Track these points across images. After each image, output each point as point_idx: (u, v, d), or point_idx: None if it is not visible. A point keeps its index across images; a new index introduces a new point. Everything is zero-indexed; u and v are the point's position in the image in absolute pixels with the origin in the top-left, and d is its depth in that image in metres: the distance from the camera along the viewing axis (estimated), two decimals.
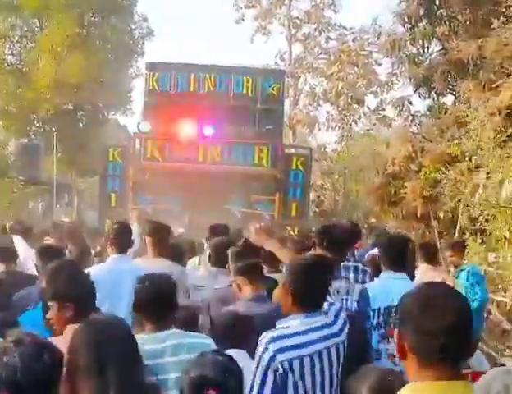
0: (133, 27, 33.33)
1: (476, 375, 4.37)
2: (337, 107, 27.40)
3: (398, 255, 6.20)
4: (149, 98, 19.24)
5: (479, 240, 12.03)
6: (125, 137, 26.41)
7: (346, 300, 6.14)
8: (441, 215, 16.30)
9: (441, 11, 17.32)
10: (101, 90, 30.17)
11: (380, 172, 16.86)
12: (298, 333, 4.18)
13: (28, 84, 29.97)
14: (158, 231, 7.21)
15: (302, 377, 4.10)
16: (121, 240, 6.60)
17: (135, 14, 33.35)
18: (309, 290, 4.30)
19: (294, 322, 4.24)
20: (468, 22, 16.95)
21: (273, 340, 4.08)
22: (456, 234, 14.94)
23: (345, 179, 25.66)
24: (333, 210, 25.04)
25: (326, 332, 4.30)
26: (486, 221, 12.09)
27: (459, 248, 9.44)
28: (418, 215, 15.82)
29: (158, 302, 4.40)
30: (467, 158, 14.06)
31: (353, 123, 27.43)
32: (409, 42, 17.66)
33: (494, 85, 14.55)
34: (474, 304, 7.64)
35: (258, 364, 4.07)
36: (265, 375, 4.03)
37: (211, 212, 14.85)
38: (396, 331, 2.64)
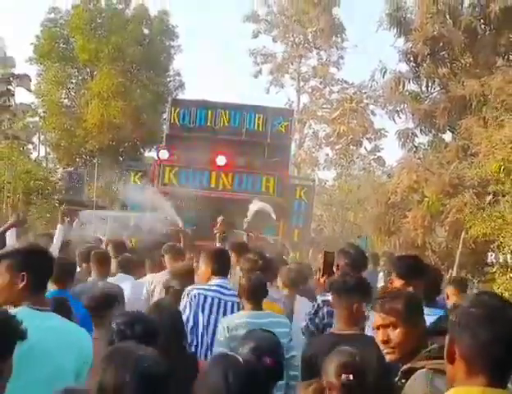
0: (168, 80, 30.53)
1: None
2: (335, 149, 24.22)
3: (432, 289, 4.19)
4: (171, 130, 16.63)
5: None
6: None
7: None
8: (436, 247, 12.80)
9: (443, 52, 13.88)
10: (139, 130, 27.57)
11: (380, 203, 13.32)
12: None
13: (79, 123, 27.69)
14: None
15: None
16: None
17: (171, 69, 30.61)
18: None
19: None
20: (468, 65, 13.49)
21: None
22: (455, 268, 11.37)
23: (343, 210, 22.01)
24: (331, 238, 21.42)
25: None
26: None
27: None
28: (418, 244, 12.14)
29: None
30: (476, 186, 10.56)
31: (350, 162, 24.01)
32: (411, 80, 14.22)
33: (498, 120, 11.20)
34: None
35: None
36: None
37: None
38: (448, 335, 1.96)
